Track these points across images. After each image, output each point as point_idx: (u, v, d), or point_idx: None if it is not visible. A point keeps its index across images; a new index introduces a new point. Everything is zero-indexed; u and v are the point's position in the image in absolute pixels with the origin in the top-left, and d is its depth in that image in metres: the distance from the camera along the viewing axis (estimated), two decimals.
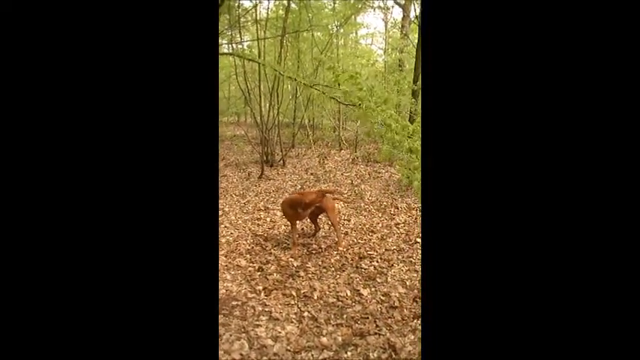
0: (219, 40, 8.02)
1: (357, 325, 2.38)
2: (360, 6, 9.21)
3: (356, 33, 12.15)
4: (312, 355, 2.12)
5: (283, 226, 4.11)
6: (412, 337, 2.23)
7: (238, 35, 8.19)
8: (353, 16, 9.15)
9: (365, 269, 3.11)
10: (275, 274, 3.03)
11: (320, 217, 3.81)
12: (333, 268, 3.14)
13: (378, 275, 3.01)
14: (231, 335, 2.24)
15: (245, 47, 8.82)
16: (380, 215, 4.40)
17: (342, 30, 9.11)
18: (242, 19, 7.83)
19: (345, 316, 2.48)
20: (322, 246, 3.57)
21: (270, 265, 3.20)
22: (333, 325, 2.38)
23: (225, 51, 7.74)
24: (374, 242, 3.65)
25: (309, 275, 3.03)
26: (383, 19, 12.76)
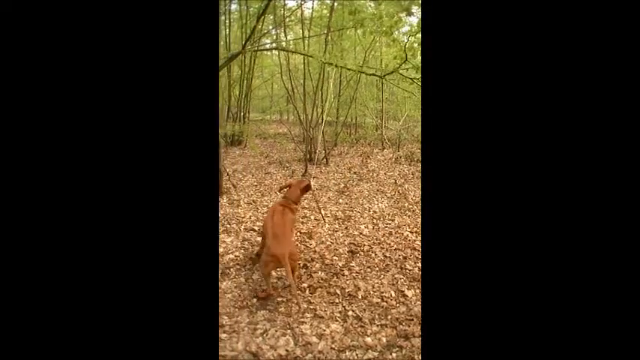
0: (264, 40, 8.15)
1: (401, 326, 2.37)
2: (404, 3, 9.10)
3: (398, 31, 12.00)
4: (357, 354, 2.13)
5: (327, 224, 4.14)
6: None
7: (283, 34, 8.30)
8: (396, 14, 9.05)
9: (409, 270, 3.09)
10: (319, 272, 3.06)
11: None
12: (377, 268, 3.13)
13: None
14: (276, 331, 2.29)
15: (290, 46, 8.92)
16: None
17: (384, 28, 9.03)
18: (287, 19, 7.92)
19: (389, 316, 2.47)
20: (365, 244, 3.58)
21: (314, 263, 3.23)
22: (377, 326, 2.38)
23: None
24: (418, 243, 3.61)
25: (354, 274, 3.03)
26: None
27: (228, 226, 3.97)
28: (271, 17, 7.91)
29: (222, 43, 8.05)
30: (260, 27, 7.11)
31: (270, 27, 8.20)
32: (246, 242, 3.60)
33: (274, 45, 7.88)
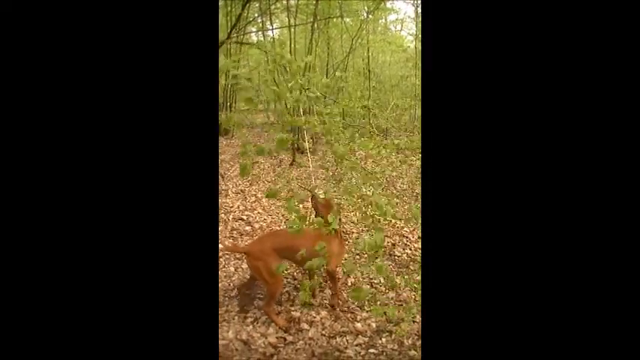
0: (249, 28, 8.06)
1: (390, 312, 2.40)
2: None
3: (385, 19, 11.95)
4: (347, 340, 2.15)
5: None
6: None
7: (269, 23, 8.21)
8: (383, 2, 9.01)
9: (398, 256, 3.12)
10: None
11: None
12: (366, 255, 3.16)
13: (411, 263, 3.01)
14: (267, 319, 2.29)
15: (275, 35, 8.84)
16: (412, 203, 4.37)
17: (371, 16, 8.99)
18: (272, 7, 7.83)
19: (379, 302, 2.50)
20: (354, 231, 3.59)
21: None
22: (367, 312, 2.40)
23: (254, 37, 7.78)
24: (407, 230, 3.64)
25: (343, 261, 3.05)
26: (412, 4, 12.49)
27: None
28: (257, 5, 7.81)
29: None
30: (245, 15, 7.03)
31: (256, 14, 8.10)
32: (235, 232, 3.59)
33: (260, 34, 7.80)
